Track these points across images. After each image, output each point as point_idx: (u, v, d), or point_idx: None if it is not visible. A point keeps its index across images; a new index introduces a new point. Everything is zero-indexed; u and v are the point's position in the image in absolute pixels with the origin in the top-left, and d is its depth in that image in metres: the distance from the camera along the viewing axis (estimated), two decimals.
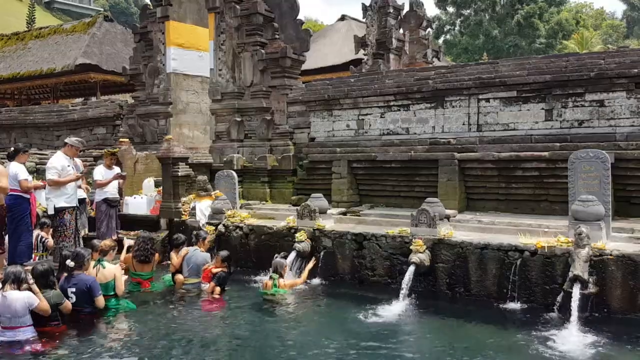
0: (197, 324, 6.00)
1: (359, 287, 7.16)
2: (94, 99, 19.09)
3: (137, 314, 6.31)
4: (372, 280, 7.17)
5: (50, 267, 5.77)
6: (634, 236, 6.30)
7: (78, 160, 8.47)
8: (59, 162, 7.57)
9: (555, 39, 36.96)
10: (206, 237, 7.91)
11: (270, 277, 6.96)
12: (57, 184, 7.49)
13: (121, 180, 9.02)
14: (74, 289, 5.88)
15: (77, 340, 5.46)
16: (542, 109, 7.91)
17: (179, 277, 7.34)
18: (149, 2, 13.37)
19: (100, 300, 5.96)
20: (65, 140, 7.91)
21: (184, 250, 7.49)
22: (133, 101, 13.56)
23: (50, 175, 7.49)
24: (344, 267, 7.42)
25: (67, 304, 5.67)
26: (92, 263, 6.35)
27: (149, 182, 10.23)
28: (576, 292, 5.55)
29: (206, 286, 7.10)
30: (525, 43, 36.73)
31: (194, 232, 8.05)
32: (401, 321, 5.92)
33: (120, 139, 11.59)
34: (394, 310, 6.18)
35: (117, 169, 9.00)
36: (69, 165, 7.65)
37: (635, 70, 7.15)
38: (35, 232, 8.20)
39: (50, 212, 7.62)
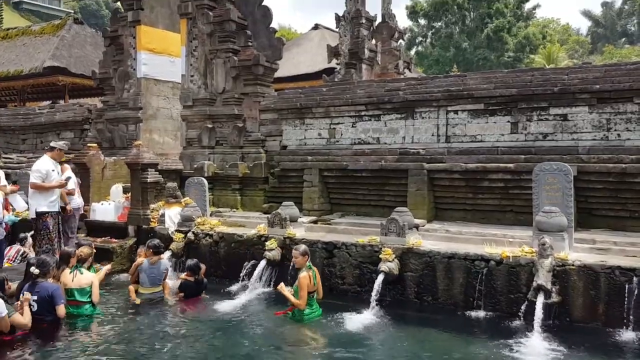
0: (165, 333, 5.92)
1: (328, 295, 7.15)
2: (62, 102, 18.72)
3: (99, 322, 6.21)
4: (341, 288, 7.20)
5: (2, 278, 5.60)
6: (595, 247, 6.50)
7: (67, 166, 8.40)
8: (44, 166, 7.50)
9: (523, 53, 37.94)
10: (158, 250, 7.43)
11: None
12: (40, 188, 7.40)
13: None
14: (35, 297, 5.75)
15: (37, 350, 5.33)
16: (508, 121, 8.11)
17: (130, 287, 7.15)
18: (120, 6, 13.22)
19: (61, 309, 5.83)
20: (52, 144, 7.81)
21: (140, 259, 7.35)
22: (102, 105, 13.35)
23: (34, 178, 7.43)
24: None
25: (5, 321, 5.33)
26: (68, 270, 6.31)
27: (117, 188, 10.07)
28: (540, 301, 5.71)
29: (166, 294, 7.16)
30: (494, 56, 37.61)
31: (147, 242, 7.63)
32: (370, 330, 5.96)
33: (89, 144, 11.39)
34: (363, 318, 6.23)
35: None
36: (53, 170, 7.56)
37: (597, 86, 7.40)
38: (16, 247, 8.04)
39: (32, 215, 7.52)
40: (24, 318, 5.48)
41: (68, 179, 8.21)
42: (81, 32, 20.56)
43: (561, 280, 5.88)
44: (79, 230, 9.05)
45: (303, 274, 6.25)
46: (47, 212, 7.49)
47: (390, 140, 9.10)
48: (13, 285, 6.16)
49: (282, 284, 6.46)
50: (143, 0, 12.40)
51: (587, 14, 56.04)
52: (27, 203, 8.26)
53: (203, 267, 7.53)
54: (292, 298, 6.25)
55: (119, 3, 13.34)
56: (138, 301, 6.97)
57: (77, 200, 8.74)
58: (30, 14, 59.24)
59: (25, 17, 55.24)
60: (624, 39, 51.82)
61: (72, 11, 50.93)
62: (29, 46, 19.87)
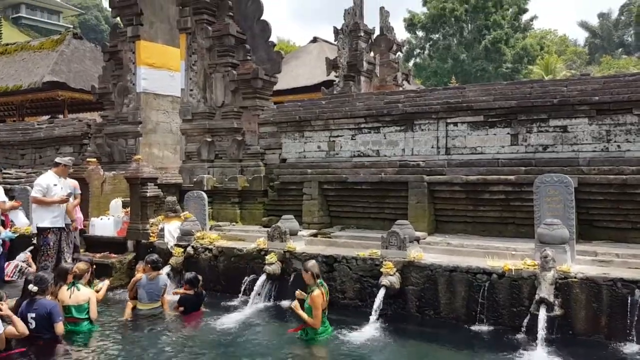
0: (165, 350, 5.85)
1: (329, 310, 7.09)
2: (61, 117, 18.72)
3: (97, 339, 6.15)
4: (342, 303, 7.13)
5: None
6: (598, 259, 6.45)
7: (71, 181, 8.31)
8: (45, 181, 7.47)
9: (521, 64, 38.14)
10: (157, 265, 7.38)
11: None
12: (40, 203, 7.36)
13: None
14: (33, 315, 5.71)
15: None
16: (508, 133, 8.10)
17: (128, 304, 7.11)
18: (120, 22, 13.27)
19: (60, 327, 5.78)
20: (57, 160, 7.76)
21: (138, 275, 7.30)
22: (101, 120, 13.35)
23: (35, 192, 7.41)
24: None
25: (1, 338, 5.28)
26: (65, 287, 6.25)
27: (116, 203, 10.04)
28: (542, 314, 5.65)
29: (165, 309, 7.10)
30: (492, 67, 37.80)
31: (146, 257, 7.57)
32: (371, 345, 5.88)
33: (88, 159, 11.37)
34: (364, 333, 6.16)
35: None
36: (55, 185, 7.50)
37: (597, 97, 7.40)
38: (14, 263, 7.98)
39: (33, 231, 7.49)
40: (17, 327, 5.42)
41: (69, 194, 8.19)
42: (80, 47, 20.61)
43: (563, 293, 5.83)
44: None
45: (316, 292, 5.95)
46: (49, 228, 7.41)
47: (390, 153, 9.08)
48: (10, 302, 6.10)
49: (296, 303, 6.11)
50: (142, 15, 12.46)
51: (584, 25, 56.33)
52: (28, 219, 8.21)
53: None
54: (306, 317, 5.95)
55: (118, 18, 13.38)
56: (127, 316, 6.89)
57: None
58: (29, 29, 59.55)
59: (24, 32, 55.52)
60: (620, 50, 52.00)
61: (72, 26, 51.23)
62: (28, 61, 19.92)
